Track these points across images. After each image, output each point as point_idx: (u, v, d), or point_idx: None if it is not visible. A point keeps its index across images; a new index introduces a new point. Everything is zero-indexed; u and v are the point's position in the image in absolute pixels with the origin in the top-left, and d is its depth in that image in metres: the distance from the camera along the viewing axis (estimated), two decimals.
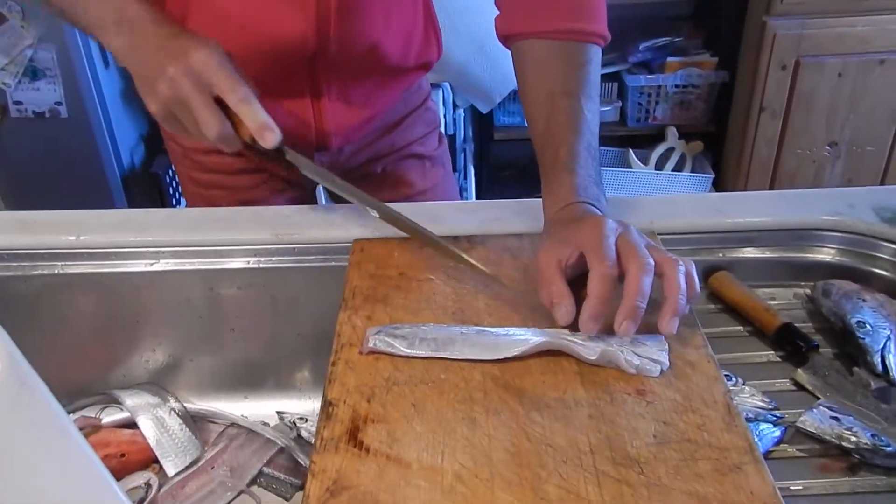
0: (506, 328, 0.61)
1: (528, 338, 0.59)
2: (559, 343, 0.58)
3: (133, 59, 0.70)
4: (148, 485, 0.72)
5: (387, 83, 0.96)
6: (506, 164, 2.58)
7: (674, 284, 0.58)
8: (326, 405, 0.54)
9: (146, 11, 0.70)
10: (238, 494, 0.72)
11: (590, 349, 0.57)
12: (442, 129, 1.13)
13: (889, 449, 0.60)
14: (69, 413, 0.78)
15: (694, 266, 0.61)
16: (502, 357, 0.58)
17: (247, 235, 0.77)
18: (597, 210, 0.69)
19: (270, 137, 0.65)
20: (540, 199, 0.73)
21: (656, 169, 2.34)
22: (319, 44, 0.82)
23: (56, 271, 0.77)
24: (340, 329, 0.62)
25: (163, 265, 0.77)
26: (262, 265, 0.76)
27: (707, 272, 0.80)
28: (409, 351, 0.58)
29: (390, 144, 1.01)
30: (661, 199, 0.84)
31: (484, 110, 2.20)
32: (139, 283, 0.77)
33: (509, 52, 0.82)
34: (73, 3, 0.74)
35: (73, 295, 0.77)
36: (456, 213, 0.78)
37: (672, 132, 2.35)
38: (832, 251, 0.80)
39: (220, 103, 0.66)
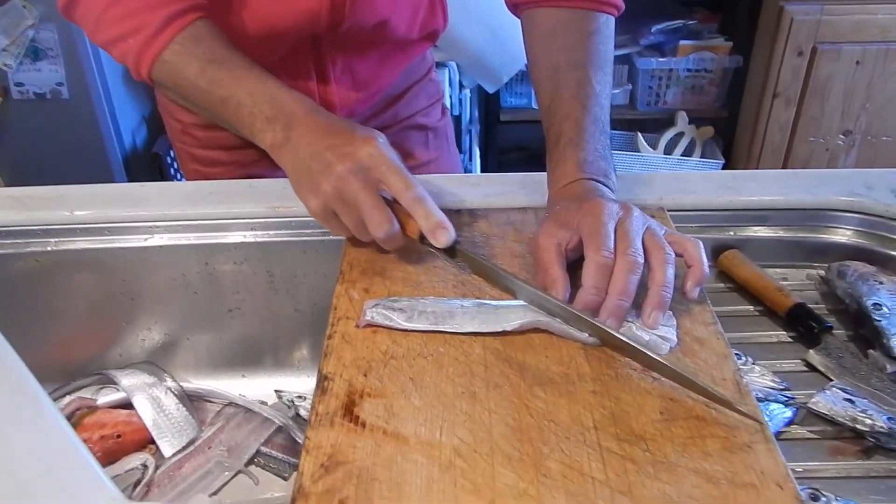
0: (507, 301, 0.59)
1: (523, 312, 0.57)
2: (554, 327, 0.56)
3: (291, 156, 0.65)
4: (144, 466, 0.71)
5: (393, 57, 0.94)
6: (512, 146, 2.55)
7: (657, 277, 0.57)
8: (322, 379, 0.53)
9: (300, 103, 0.66)
10: (235, 474, 0.71)
11: (582, 332, 0.56)
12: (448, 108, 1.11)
13: None
14: (65, 395, 0.76)
15: (702, 246, 0.59)
16: (496, 330, 0.56)
17: (243, 209, 0.75)
18: (603, 186, 0.66)
19: (444, 237, 0.61)
20: (545, 173, 0.71)
21: (665, 154, 2.31)
22: (331, 22, 0.80)
23: (49, 248, 0.75)
24: (337, 302, 0.60)
25: (157, 240, 0.75)
26: (258, 239, 0.75)
27: (717, 251, 0.78)
28: (407, 324, 0.56)
29: (394, 115, 0.99)
30: (672, 175, 0.82)
31: (491, 90, 2.17)
32: (134, 259, 0.75)
33: (518, 27, 0.80)
34: (205, 93, 0.69)
35: (66, 272, 0.76)
36: (459, 186, 0.76)
37: (682, 117, 2.32)
38: (848, 232, 0.78)
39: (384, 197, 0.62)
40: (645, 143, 2.32)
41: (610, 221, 0.59)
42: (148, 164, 1.95)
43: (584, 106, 0.70)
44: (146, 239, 0.75)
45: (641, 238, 0.58)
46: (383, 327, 0.57)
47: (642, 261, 0.57)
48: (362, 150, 0.62)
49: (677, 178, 0.80)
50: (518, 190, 0.76)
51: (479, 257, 0.62)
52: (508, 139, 2.53)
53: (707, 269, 0.59)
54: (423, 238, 0.62)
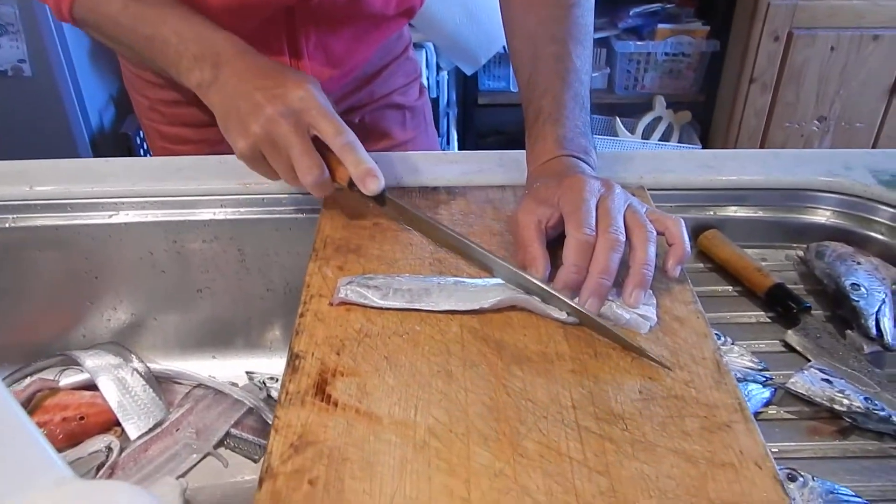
0: (485, 279, 0.58)
1: (501, 290, 0.56)
2: (532, 305, 0.55)
3: (219, 95, 0.63)
4: (109, 448, 0.68)
5: (368, 33, 0.91)
6: (490, 130, 2.53)
7: (639, 255, 0.56)
8: (293, 358, 0.51)
9: (230, 42, 0.64)
10: (204, 457, 0.69)
11: (561, 311, 0.55)
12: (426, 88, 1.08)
13: (882, 413, 0.59)
14: (25, 376, 0.74)
15: (684, 224, 0.59)
16: (472, 308, 0.55)
17: (212, 185, 0.73)
18: (583, 163, 0.65)
19: (374, 185, 0.60)
20: (523, 151, 0.69)
21: (643, 138, 2.31)
22: None
23: (7, 224, 0.72)
24: (310, 279, 0.58)
25: (123, 217, 0.72)
26: (228, 216, 0.73)
27: (697, 230, 0.77)
28: (382, 302, 0.55)
29: (370, 94, 0.96)
30: (652, 154, 0.81)
31: (469, 72, 2.15)
32: (98, 237, 0.73)
33: (496, 6, 0.78)
34: (128, 31, 0.67)
35: (27, 250, 0.73)
36: (437, 163, 0.74)
37: (660, 101, 2.32)
38: (827, 213, 0.78)
39: (315, 143, 0.61)
40: (623, 128, 2.32)
41: (591, 198, 0.57)
42: (116, 145, 1.91)
43: (564, 81, 0.68)
44: (111, 216, 0.72)
45: (623, 216, 0.57)
46: (357, 305, 0.55)
47: (624, 239, 0.56)
48: (293, 93, 0.60)
49: (657, 157, 0.79)
50: (496, 168, 0.74)
51: (409, 206, 0.62)
52: (486, 123, 2.51)
53: (689, 248, 0.58)
54: (352, 185, 0.61)
